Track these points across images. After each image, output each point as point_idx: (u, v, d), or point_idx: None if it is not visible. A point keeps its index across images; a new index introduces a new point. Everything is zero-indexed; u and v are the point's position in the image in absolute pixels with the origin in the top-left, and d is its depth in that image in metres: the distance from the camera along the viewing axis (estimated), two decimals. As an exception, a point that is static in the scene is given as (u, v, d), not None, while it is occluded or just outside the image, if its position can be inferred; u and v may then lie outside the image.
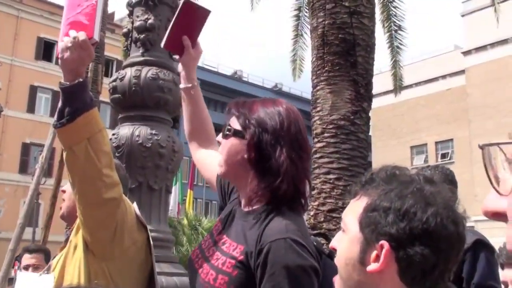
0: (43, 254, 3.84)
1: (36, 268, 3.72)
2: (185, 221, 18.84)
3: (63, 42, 1.56)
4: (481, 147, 0.63)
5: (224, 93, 40.78)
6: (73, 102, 1.54)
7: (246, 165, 1.51)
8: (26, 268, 3.75)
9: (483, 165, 0.63)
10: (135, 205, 1.92)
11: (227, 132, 1.55)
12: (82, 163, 1.58)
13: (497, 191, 0.62)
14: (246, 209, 1.54)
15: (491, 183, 0.62)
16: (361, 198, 1.12)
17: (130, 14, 4.00)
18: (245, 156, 1.50)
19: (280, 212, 1.47)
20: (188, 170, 31.58)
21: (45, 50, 32.44)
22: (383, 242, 1.02)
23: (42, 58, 32.33)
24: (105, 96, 7.63)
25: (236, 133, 1.54)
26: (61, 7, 34.64)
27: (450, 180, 3.06)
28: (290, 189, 1.47)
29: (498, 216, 0.62)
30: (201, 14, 1.78)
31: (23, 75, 30.44)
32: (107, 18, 15.35)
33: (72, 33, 1.55)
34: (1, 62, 21.08)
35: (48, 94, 31.86)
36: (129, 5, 4.00)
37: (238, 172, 1.53)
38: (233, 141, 1.54)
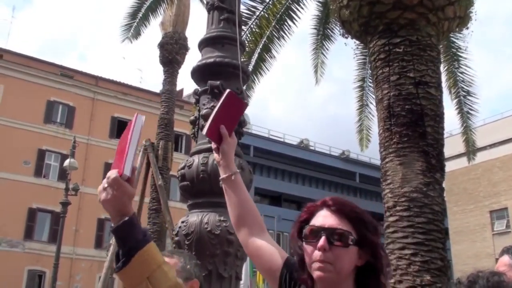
0: None
1: None
2: (256, 295, 18.51)
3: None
4: None
5: (292, 163, 40.85)
6: (125, 243, 1.48)
7: (352, 272, 1.52)
8: None
9: None
10: None
11: (350, 243, 1.50)
12: None
13: None
14: None
15: None
16: None
17: (197, 102, 4.11)
18: (358, 264, 1.51)
19: None
20: (258, 241, 31.38)
21: (119, 128, 34.04)
22: None
23: (116, 136, 33.86)
24: (174, 171, 7.79)
25: (359, 242, 1.51)
26: (133, 88, 36.65)
27: None
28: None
29: None
30: (240, 106, 1.85)
31: (98, 153, 31.88)
32: (176, 95, 15.99)
33: (108, 173, 1.52)
34: (78, 143, 22.19)
35: (122, 171, 33.07)
36: (195, 93, 4.12)
37: (344, 278, 1.52)
38: (352, 250, 1.51)
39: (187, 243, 3.66)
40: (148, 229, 1.58)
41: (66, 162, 19.86)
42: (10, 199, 28.90)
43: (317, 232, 1.51)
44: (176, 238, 3.80)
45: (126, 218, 1.49)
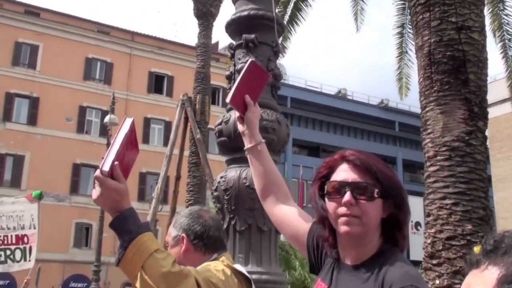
0: None
1: None
2: (296, 245, 18.81)
3: None
4: None
5: (329, 113, 40.49)
6: (121, 236, 1.56)
7: (379, 225, 1.49)
8: None
9: None
10: (238, 267, 1.94)
11: (376, 196, 1.46)
12: None
13: None
14: (353, 263, 1.49)
15: None
16: (489, 268, 1.00)
17: (232, 57, 4.06)
18: (383, 216, 1.49)
19: (396, 256, 1.45)
20: (297, 192, 31.61)
21: (156, 83, 34.30)
22: None
23: (154, 91, 34.18)
24: (212, 124, 7.86)
25: (383, 195, 1.47)
26: (169, 42, 36.58)
27: None
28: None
29: None
30: (263, 76, 1.89)
31: (138, 108, 32.27)
32: (212, 48, 15.86)
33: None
34: (117, 99, 22.50)
35: (161, 125, 33.53)
36: (230, 48, 4.07)
37: (372, 231, 1.48)
38: (377, 203, 1.46)
39: (226, 198, 3.70)
40: (147, 222, 1.66)
41: (107, 118, 20.24)
42: (55, 155, 29.81)
43: (341, 187, 1.46)
44: (216, 193, 3.84)
45: (118, 213, 1.58)
